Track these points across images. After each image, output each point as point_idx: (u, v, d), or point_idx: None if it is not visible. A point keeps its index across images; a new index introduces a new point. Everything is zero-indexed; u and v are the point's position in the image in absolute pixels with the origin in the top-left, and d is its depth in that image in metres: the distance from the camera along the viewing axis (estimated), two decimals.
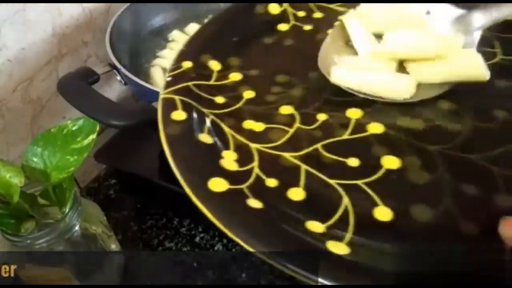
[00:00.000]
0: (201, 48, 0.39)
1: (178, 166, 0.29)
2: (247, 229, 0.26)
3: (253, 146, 0.32)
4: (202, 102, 0.34)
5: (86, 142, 0.38)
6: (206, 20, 0.43)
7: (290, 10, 0.44)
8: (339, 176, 0.29)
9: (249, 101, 0.36)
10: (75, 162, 0.38)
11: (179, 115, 0.33)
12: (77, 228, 0.39)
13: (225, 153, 0.31)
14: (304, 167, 0.30)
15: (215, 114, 0.34)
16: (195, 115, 0.33)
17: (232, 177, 0.29)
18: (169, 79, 0.35)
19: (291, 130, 0.33)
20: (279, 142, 0.32)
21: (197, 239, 0.51)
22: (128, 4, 0.52)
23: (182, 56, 0.37)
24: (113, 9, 0.55)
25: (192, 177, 0.29)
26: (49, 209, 0.39)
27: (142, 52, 0.54)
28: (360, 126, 0.32)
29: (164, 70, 0.52)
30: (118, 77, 0.46)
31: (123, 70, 0.43)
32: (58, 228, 0.37)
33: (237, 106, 0.35)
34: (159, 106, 0.33)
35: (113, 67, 0.44)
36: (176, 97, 0.34)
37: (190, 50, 0.38)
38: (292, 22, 0.43)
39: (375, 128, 0.32)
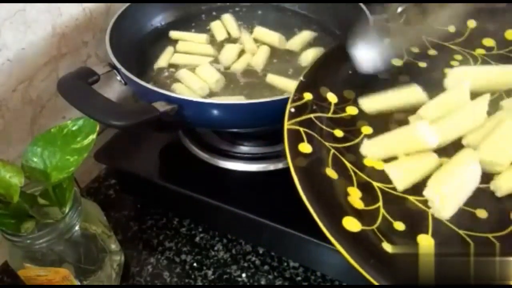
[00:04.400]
0: (319, 80, 0.40)
1: (311, 202, 0.29)
2: (383, 272, 0.26)
3: (376, 184, 0.33)
4: (323, 135, 0.35)
5: (86, 142, 0.38)
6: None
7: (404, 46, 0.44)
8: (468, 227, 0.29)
9: (367, 137, 0.36)
10: (75, 162, 0.38)
11: (305, 147, 0.33)
12: (77, 228, 0.39)
13: (350, 190, 0.32)
14: (430, 212, 0.30)
15: (336, 148, 0.35)
16: (319, 148, 0.34)
17: (361, 217, 0.29)
18: (292, 110, 0.36)
19: None
20: None
21: (197, 239, 0.51)
22: (128, 4, 0.52)
23: (302, 87, 0.38)
24: (113, 9, 0.55)
25: (326, 215, 0.29)
26: (49, 209, 0.39)
27: (142, 52, 0.54)
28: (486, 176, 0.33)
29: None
30: (118, 77, 0.45)
31: (123, 70, 0.43)
32: (58, 228, 0.37)
33: (356, 141, 0.36)
34: (285, 136, 0.34)
35: (113, 67, 0.44)
36: (301, 129, 0.34)
37: (310, 82, 0.39)
38: (406, 57, 0.44)
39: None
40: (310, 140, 0.34)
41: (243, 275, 0.47)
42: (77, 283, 0.41)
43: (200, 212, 0.51)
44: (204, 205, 0.46)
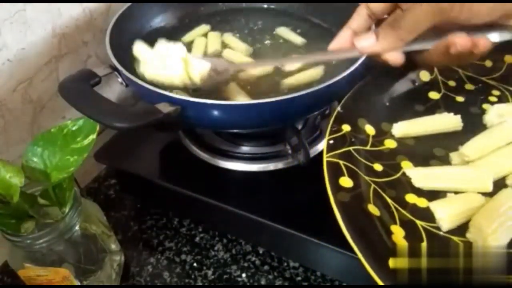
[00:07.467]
0: (357, 111, 0.39)
1: (355, 240, 0.29)
2: None
3: (419, 223, 0.32)
4: (363, 168, 0.35)
5: (86, 142, 0.38)
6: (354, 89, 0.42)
7: (440, 78, 0.44)
8: None
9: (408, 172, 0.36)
10: (75, 162, 0.38)
11: (346, 182, 0.33)
12: (77, 228, 0.39)
13: (393, 228, 0.31)
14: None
15: (376, 183, 0.34)
16: (359, 182, 0.34)
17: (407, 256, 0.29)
18: (331, 141, 0.36)
19: None
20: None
21: (197, 239, 0.51)
22: (128, 4, 0.52)
23: (340, 118, 0.38)
24: (113, 9, 0.55)
25: (372, 255, 0.28)
26: (49, 209, 0.39)
27: None
28: None
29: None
30: (119, 79, 0.45)
31: (124, 72, 0.42)
32: (58, 228, 0.37)
33: (396, 176, 0.36)
34: (325, 168, 0.33)
35: (114, 68, 0.44)
36: (341, 162, 0.34)
37: (347, 113, 0.39)
38: (443, 91, 0.43)
39: None
40: (351, 174, 0.34)
41: (243, 275, 0.47)
42: (77, 283, 0.41)
43: (200, 212, 0.51)
44: (204, 205, 0.46)
